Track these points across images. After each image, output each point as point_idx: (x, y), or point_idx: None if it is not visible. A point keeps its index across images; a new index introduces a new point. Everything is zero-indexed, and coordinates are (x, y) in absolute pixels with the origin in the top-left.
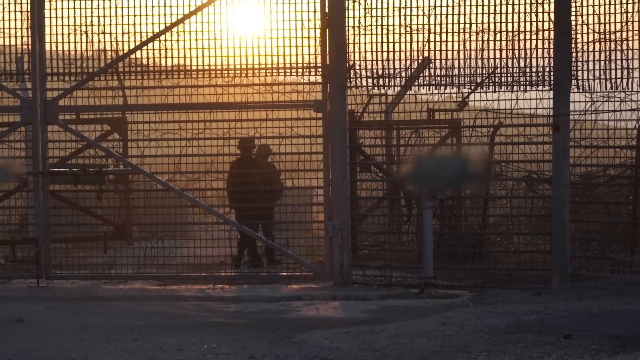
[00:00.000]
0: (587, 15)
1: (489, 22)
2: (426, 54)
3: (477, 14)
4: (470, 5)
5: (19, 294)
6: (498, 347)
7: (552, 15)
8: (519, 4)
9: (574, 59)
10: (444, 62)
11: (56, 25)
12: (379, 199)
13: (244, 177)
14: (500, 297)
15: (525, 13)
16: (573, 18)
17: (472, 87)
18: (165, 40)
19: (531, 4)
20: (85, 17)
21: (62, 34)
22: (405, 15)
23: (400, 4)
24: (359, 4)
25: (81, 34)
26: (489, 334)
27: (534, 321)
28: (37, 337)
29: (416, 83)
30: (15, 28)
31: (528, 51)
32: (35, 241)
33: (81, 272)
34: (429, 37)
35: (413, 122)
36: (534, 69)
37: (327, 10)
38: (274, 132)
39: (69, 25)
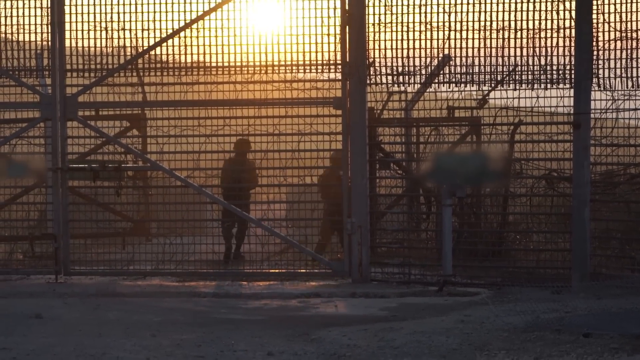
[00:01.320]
0: (609, 13)
1: (509, 20)
2: (446, 51)
3: (497, 11)
4: (491, 3)
5: (37, 290)
6: (517, 345)
7: (573, 13)
8: (540, 2)
9: (595, 57)
10: (464, 59)
11: (76, 22)
12: (398, 196)
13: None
14: (519, 296)
15: (546, 11)
16: (594, 16)
17: (493, 85)
18: (185, 37)
19: (552, 1)
20: (105, 13)
21: (82, 30)
22: (425, 13)
23: (420, 1)
24: (379, 1)
25: (101, 30)
26: (508, 332)
27: (553, 320)
28: (56, 332)
29: (436, 80)
30: (35, 24)
31: (549, 49)
32: (54, 237)
33: (100, 268)
34: (449, 34)
35: (433, 120)
36: (554, 67)
37: (347, 8)
38: (293, 129)
39: (88, 22)
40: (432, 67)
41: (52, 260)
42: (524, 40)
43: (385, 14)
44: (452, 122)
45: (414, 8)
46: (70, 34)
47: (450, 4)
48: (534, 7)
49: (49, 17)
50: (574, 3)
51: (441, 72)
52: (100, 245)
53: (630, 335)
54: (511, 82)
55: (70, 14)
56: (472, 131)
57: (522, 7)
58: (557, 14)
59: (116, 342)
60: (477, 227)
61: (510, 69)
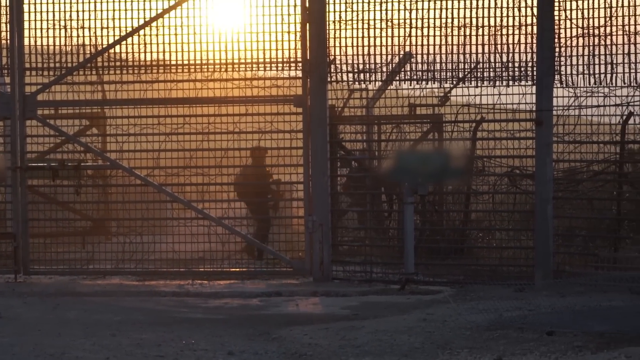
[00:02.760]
0: (571, 10)
1: (471, 17)
2: (407, 49)
3: (459, 8)
4: (453, 0)
5: None
6: (480, 343)
7: (535, 10)
8: None
9: (557, 54)
10: (425, 57)
11: (35, 20)
12: (359, 194)
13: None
14: (482, 294)
15: (508, 8)
16: (556, 13)
17: (454, 82)
18: (145, 35)
19: None
20: (65, 11)
21: (41, 29)
22: (386, 10)
23: None
24: None
25: (60, 29)
26: (471, 331)
27: (517, 318)
28: (15, 332)
29: (397, 78)
30: None
31: (511, 46)
32: (13, 236)
33: (59, 267)
34: (410, 31)
35: (394, 117)
36: (516, 64)
37: (307, 5)
38: (253, 127)
39: (48, 20)
40: (393, 65)
41: (11, 259)
42: (486, 37)
43: (345, 11)
44: (414, 119)
45: (374, 5)
46: (29, 33)
47: (411, 1)
48: (496, 4)
49: (8, 16)
50: (535, 0)
51: (402, 69)
52: (59, 245)
53: (593, 333)
54: (473, 79)
55: (29, 12)
56: (434, 129)
57: (483, 4)
58: (519, 10)
59: (76, 341)
60: (440, 225)
61: (472, 66)
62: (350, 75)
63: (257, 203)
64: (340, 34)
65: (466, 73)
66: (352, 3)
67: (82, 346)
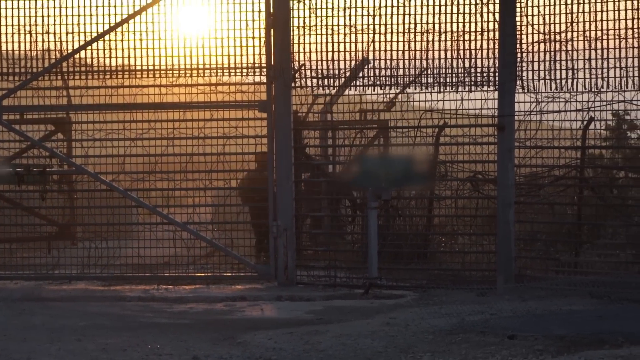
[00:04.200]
0: (532, 15)
1: (434, 22)
2: (371, 54)
3: (422, 14)
4: (416, 6)
5: None
6: (442, 347)
7: (497, 15)
8: (464, 5)
9: (519, 60)
10: (388, 62)
11: (0, 25)
12: (322, 199)
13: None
14: (444, 298)
15: (470, 13)
16: (518, 19)
17: (417, 87)
18: (110, 40)
19: (476, 4)
20: (30, 16)
21: (6, 34)
22: (350, 16)
23: (345, 4)
24: (304, 4)
25: (25, 34)
26: (433, 335)
27: (479, 322)
28: None
29: (361, 83)
30: None
31: (473, 51)
32: None
33: (25, 272)
34: (373, 37)
35: (355, 123)
36: (479, 69)
37: (271, 10)
38: (218, 132)
39: (12, 25)
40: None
41: None
42: (449, 43)
43: (310, 16)
44: (364, 124)
45: (338, 11)
46: None
47: (374, 6)
48: (458, 9)
49: None
50: (497, 6)
51: (362, 74)
52: (25, 250)
53: (554, 336)
54: (436, 84)
55: None
56: (381, 134)
57: (446, 10)
58: (482, 16)
59: (41, 346)
60: (403, 230)
61: (436, 71)
62: (314, 80)
63: (262, 208)
64: (304, 39)
65: (412, 79)
66: (317, 9)
67: (47, 351)
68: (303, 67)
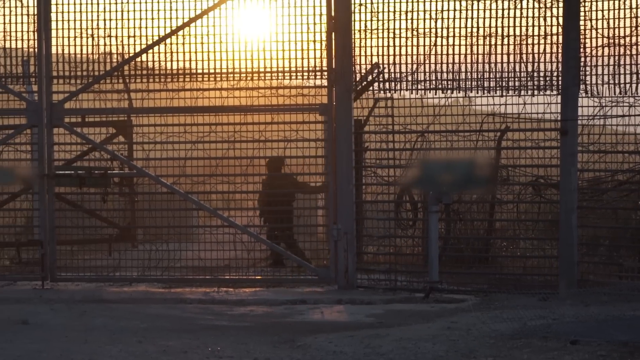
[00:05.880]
0: (596, 19)
1: (496, 26)
2: (432, 58)
3: (484, 17)
4: (478, 10)
5: (23, 296)
6: (504, 352)
7: (560, 19)
8: (527, 8)
9: (582, 64)
10: (450, 66)
11: (62, 29)
12: (384, 202)
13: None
14: (506, 302)
15: (533, 17)
16: (582, 23)
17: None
18: (171, 44)
19: (539, 8)
20: (92, 20)
21: (69, 37)
22: (411, 19)
23: (407, 7)
24: (366, 7)
25: (87, 37)
26: (495, 339)
27: (541, 327)
28: (42, 339)
29: (423, 87)
30: (22, 31)
31: (536, 55)
32: (41, 243)
33: (86, 274)
34: (435, 40)
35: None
36: (541, 74)
37: (333, 14)
38: (279, 135)
39: (75, 28)
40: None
41: (39, 266)
42: (512, 47)
43: (371, 20)
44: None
45: (400, 14)
46: (57, 41)
47: (437, 10)
48: (521, 13)
49: (36, 24)
50: (561, 10)
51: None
52: (86, 252)
53: (617, 342)
54: (498, 88)
55: (57, 20)
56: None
57: (509, 14)
58: (545, 20)
59: (102, 348)
60: (464, 234)
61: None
62: (375, 84)
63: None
64: (365, 43)
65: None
66: (378, 12)
67: (108, 353)
68: (364, 71)
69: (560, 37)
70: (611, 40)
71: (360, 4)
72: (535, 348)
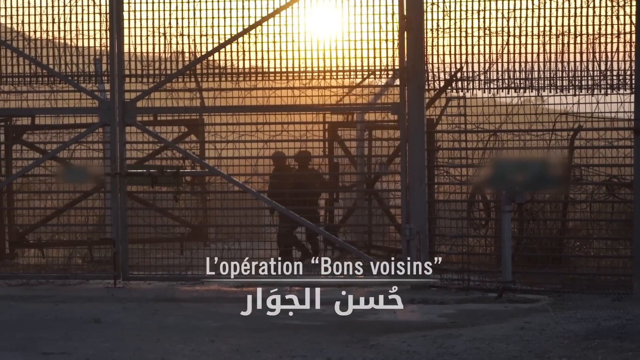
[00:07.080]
0: None
1: (569, 25)
2: (505, 57)
3: (557, 16)
4: (551, 8)
5: (96, 295)
6: (578, 352)
7: (633, 18)
8: (600, 7)
9: None
10: (523, 65)
11: (134, 27)
12: (456, 202)
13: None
14: (580, 303)
15: (606, 16)
16: None
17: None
18: (243, 43)
19: (612, 6)
20: (164, 19)
21: (141, 36)
22: (484, 18)
23: (479, 6)
24: (438, 7)
25: (159, 36)
26: (569, 340)
27: (615, 327)
28: (115, 337)
29: (495, 86)
30: (94, 30)
31: (609, 54)
32: (113, 242)
33: (158, 273)
34: (507, 39)
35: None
36: (614, 72)
37: (405, 13)
38: (351, 134)
39: (147, 27)
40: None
41: (111, 265)
42: (584, 46)
43: (443, 19)
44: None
45: (472, 13)
46: (129, 40)
47: (509, 9)
48: (594, 12)
49: (108, 23)
50: (634, 8)
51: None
52: (158, 250)
53: None
54: (571, 87)
55: (129, 19)
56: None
57: (582, 12)
58: (618, 18)
59: (175, 347)
60: (537, 234)
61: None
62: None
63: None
64: (437, 42)
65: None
66: (450, 11)
67: (181, 352)
68: (436, 70)
69: (634, 36)
70: None
71: (433, 3)
72: (609, 349)
